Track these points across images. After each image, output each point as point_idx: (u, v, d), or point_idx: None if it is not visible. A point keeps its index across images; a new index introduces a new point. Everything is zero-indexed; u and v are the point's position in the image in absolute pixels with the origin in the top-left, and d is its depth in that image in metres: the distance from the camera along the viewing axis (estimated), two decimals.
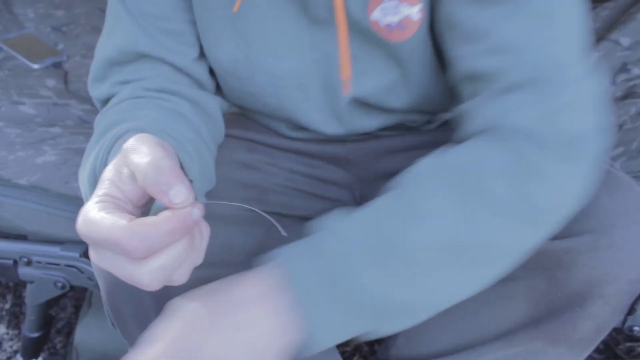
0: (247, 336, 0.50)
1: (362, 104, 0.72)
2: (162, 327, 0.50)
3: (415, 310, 0.54)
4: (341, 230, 0.54)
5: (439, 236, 0.53)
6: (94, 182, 0.55)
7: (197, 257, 0.48)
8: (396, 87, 0.70)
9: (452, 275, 0.54)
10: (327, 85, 0.71)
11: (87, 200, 0.57)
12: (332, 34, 0.67)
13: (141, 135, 0.48)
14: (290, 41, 0.69)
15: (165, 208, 0.45)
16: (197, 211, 0.45)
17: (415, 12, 0.63)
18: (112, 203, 0.46)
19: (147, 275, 0.44)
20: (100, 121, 0.65)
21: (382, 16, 0.63)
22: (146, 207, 0.48)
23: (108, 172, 0.48)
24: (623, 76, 1.17)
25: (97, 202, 0.45)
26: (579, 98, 0.55)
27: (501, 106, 0.56)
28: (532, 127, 0.54)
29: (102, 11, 1.48)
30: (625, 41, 1.20)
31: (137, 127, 0.57)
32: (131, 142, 0.47)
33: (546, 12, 0.56)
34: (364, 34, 0.65)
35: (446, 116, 0.80)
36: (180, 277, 0.47)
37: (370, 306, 0.52)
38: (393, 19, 0.63)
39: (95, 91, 0.71)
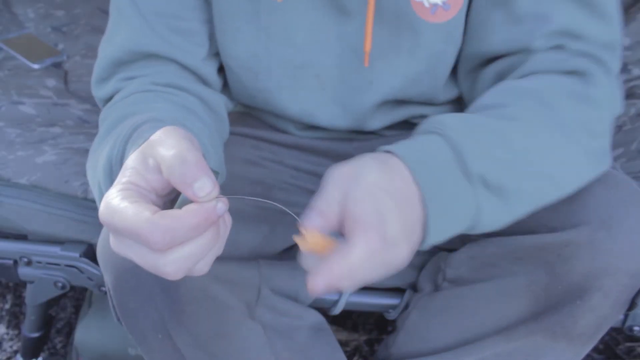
0: (411, 218, 0.50)
1: (379, 98, 0.72)
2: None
3: (517, 199, 0.56)
4: (451, 131, 0.55)
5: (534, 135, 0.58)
6: (110, 171, 0.55)
7: (220, 248, 0.48)
8: (418, 80, 0.70)
9: (553, 160, 0.58)
10: (346, 77, 0.71)
11: (101, 190, 0.56)
12: (360, 26, 0.67)
13: (168, 128, 0.48)
14: (316, 32, 0.69)
15: (191, 201, 0.44)
16: (222, 205, 0.45)
17: None
18: (136, 191, 0.45)
19: (171, 265, 0.44)
20: (108, 114, 0.64)
21: None
22: (169, 197, 0.48)
23: (131, 161, 0.47)
24: (623, 77, 1.17)
25: (120, 190, 0.44)
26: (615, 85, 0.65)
27: (563, 57, 0.64)
28: (591, 72, 0.62)
29: (103, 11, 1.48)
30: (625, 41, 1.20)
31: (154, 118, 0.56)
32: (158, 134, 0.47)
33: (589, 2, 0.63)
34: (398, 21, 0.66)
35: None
36: (203, 266, 0.46)
37: (476, 195, 0.53)
38: None
39: (100, 91, 0.71)
